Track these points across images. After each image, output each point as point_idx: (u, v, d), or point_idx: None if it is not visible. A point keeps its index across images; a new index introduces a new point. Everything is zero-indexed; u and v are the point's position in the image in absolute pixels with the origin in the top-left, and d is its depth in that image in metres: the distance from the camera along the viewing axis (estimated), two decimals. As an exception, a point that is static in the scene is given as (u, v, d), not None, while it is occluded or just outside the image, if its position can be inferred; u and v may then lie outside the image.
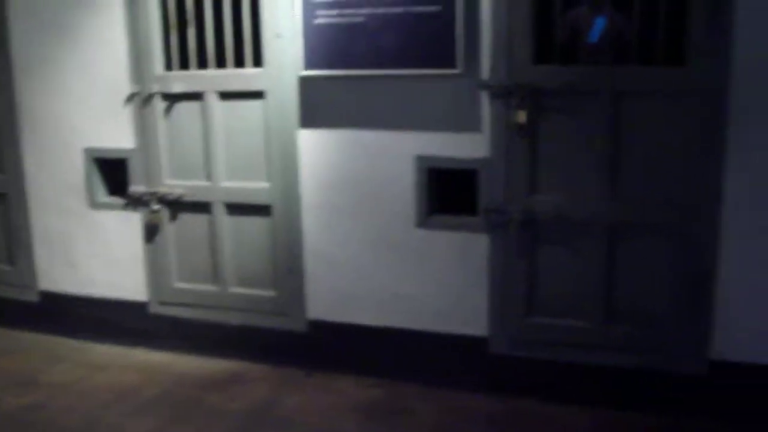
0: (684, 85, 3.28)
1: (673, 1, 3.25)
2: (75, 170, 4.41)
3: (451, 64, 3.57)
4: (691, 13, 3.18)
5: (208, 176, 4.08)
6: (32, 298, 4.67)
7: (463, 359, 3.81)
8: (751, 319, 3.32)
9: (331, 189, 3.89)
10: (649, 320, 3.47)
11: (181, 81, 4.03)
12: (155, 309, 4.37)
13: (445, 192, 3.81)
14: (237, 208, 4.11)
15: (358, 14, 3.66)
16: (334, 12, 3.68)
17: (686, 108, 3.29)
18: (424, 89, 3.65)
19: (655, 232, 3.44)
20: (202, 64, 4.03)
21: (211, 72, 4.01)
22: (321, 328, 4.06)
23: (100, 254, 4.47)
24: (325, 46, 3.74)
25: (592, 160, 3.43)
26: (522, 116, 3.48)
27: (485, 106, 3.57)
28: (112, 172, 4.37)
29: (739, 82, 3.15)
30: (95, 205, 4.41)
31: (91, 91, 4.25)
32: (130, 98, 4.16)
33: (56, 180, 4.48)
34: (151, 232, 4.27)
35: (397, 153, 3.74)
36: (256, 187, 4.04)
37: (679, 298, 3.41)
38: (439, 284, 3.79)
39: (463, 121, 3.62)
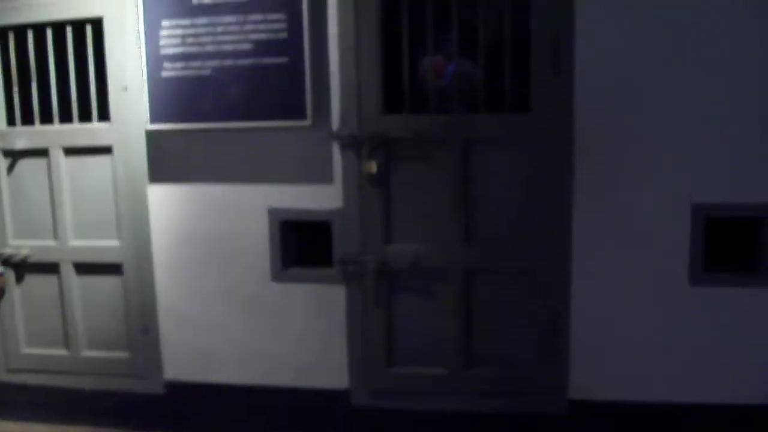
0: (530, 130, 3.37)
1: (517, 51, 3.36)
2: None
3: (301, 116, 3.54)
4: (533, 61, 3.32)
5: (56, 235, 3.89)
6: None
7: (325, 413, 3.73)
8: (607, 357, 3.40)
9: (183, 244, 3.78)
10: (507, 363, 3.50)
11: (24, 137, 3.86)
12: (2, 377, 4.08)
13: (301, 244, 3.76)
14: (87, 268, 3.93)
15: (205, 67, 3.60)
16: (181, 65, 3.61)
17: (533, 153, 3.37)
18: (274, 141, 3.60)
19: (509, 275, 3.48)
20: (47, 119, 3.87)
21: (56, 127, 3.83)
22: (179, 388, 3.91)
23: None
24: (173, 99, 3.66)
25: (445, 208, 3.46)
26: (373, 166, 3.48)
27: (337, 156, 3.55)
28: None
29: (581, 124, 3.29)
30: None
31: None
32: (-31, 156, 3.86)
33: None
34: (-4, 295, 3.97)
35: (250, 206, 3.68)
36: (106, 245, 3.88)
37: (536, 340, 3.44)
38: (298, 338, 3.73)
39: (315, 173, 3.59)
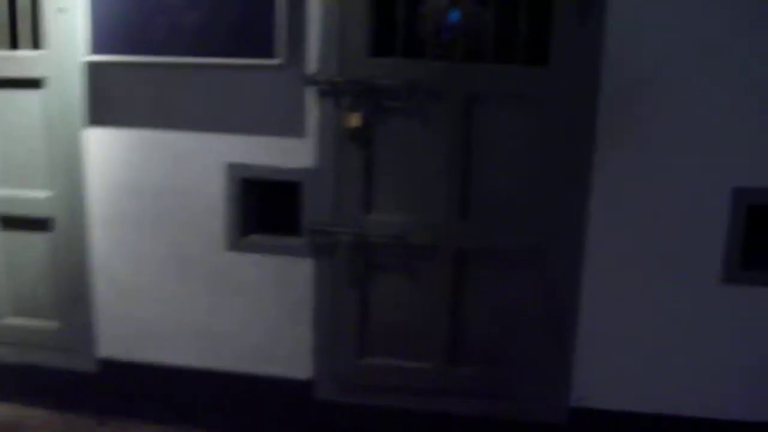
0: (546, 87, 2.85)
1: None
2: None
3: (270, 53, 2.97)
4: (556, 7, 2.79)
5: (-25, 183, 3.25)
6: None
7: (284, 406, 3.24)
8: (617, 361, 2.98)
9: (125, 199, 3.22)
10: (501, 361, 3.06)
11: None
12: None
13: (264, 207, 3.23)
14: (11, 222, 3.37)
15: (157, -13, 2.89)
16: None
17: (549, 115, 2.86)
18: (237, 83, 3.04)
19: (509, 259, 3.00)
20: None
21: (-22, 52, 3.16)
22: (115, 367, 3.37)
23: None
24: (118, 24, 3.05)
25: (439, 173, 2.96)
26: (355, 119, 2.95)
27: (311, 105, 3.00)
28: None
29: (609, 87, 2.79)
30: None
31: None
32: None
33: None
34: None
35: (206, 159, 3.12)
36: (33, 196, 3.31)
37: (536, 337, 3.00)
38: (256, 317, 3.20)
39: (284, 124, 3.03)
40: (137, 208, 3.22)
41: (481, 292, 3.06)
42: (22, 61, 3.23)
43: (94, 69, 3.14)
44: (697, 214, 2.86)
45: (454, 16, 3.10)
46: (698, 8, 2.71)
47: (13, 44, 3.23)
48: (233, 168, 3.10)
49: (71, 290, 3.35)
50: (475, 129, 2.94)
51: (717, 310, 2.90)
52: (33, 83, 3.22)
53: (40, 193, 3.32)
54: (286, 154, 3.05)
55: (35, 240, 3.39)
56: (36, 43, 3.20)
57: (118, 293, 3.31)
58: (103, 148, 3.21)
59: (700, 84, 2.75)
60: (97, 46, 3.09)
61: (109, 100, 3.16)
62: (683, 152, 2.82)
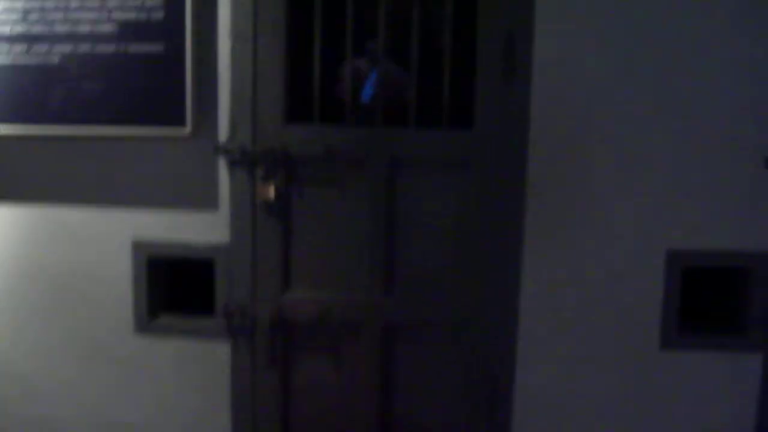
0: (472, 150, 2.72)
1: (462, 53, 2.74)
2: None
3: (179, 122, 2.76)
4: (480, 67, 2.65)
5: None
6: None
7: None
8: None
9: (21, 283, 2.96)
10: None
11: None
12: None
13: (175, 287, 3.00)
14: None
15: (54, 53, 2.81)
16: (21, 48, 2.81)
17: (475, 178, 2.73)
18: (143, 154, 2.83)
19: (439, 332, 2.83)
20: None
21: None
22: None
23: None
24: (10, 93, 2.83)
25: (361, 247, 2.79)
26: (270, 190, 2.76)
27: (224, 176, 2.80)
28: None
29: (536, 145, 2.68)
30: None
31: None
32: None
33: None
34: None
35: (109, 236, 2.89)
36: None
37: (471, 412, 2.84)
38: (168, 407, 2.95)
39: (194, 196, 2.83)
40: (35, 291, 2.95)
41: (410, 369, 2.87)
42: None
43: (-17, 141, 2.81)
44: (632, 278, 2.72)
45: (373, 77, 2.92)
46: (627, 60, 2.60)
47: None
48: (140, 245, 2.86)
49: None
50: (399, 197, 2.77)
51: (656, 377, 2.77)
52: None
53: (-74, 277, 2.94)
54: (198, 228, 2.83)
55: None
56: None
57: (15, 383, 3.04)
58: (-4, 227, 2.86)
59: (633, 142, 2.63)
60: (-14, 117, 2.76)
61: (1, 174, 2.86)
62: (617, 213, 2.70)
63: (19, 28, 2.80)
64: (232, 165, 2.77)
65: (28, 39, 2.80)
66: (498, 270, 2.76)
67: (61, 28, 2.79)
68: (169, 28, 2.71)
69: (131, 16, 2.74)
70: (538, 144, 2.66)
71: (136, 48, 2.76)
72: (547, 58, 2.63)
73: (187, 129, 2.73)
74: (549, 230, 2.71)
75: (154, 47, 2.74)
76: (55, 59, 2.79)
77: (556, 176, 2.68)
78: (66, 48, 2.80)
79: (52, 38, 2.80)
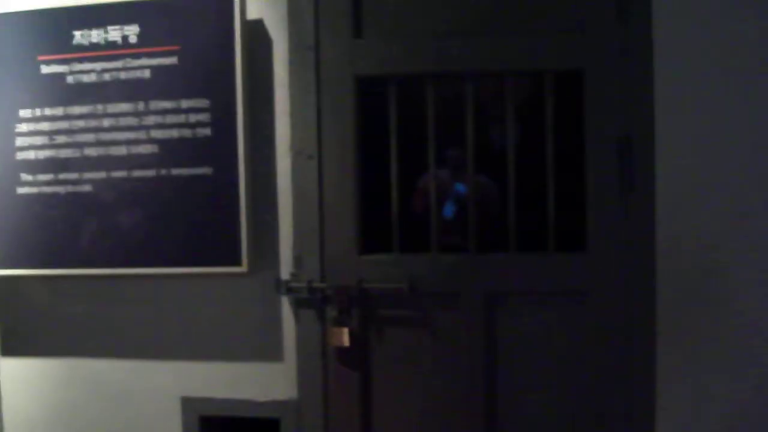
0: (587, 279, 2.26)
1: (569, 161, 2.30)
2: None
3: (233, 259, 2.33)
4: (592, 179, 2.25)
5: None
6: None
7: None
8: None
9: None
10: None
11: None
12: None
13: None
14: None
15: (84, 180, 2.40)
16: (47, 177, 2.42)
17: (593, 312, 2.26)
18: (191, 297, 2.41)
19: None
20: None
21: None
22: None
23: None
24: (34, 229, 2.42)
25: (455, 396, 2.33)
26: (344, 334, 2.32)
27: (288, 320, 2.38)
28: None
29: (664, 273, 2.18)
30: None
31: None
32: None
33: None
34: None
35: (154, 394, 2.45)
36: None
37: None
38: None
39: (253, 345, 2.40)
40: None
41: None
42: None
43: (2, 286, 2.51)
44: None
45: (456, 189, 2.49)
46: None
47: None
48: (188, 403, 2.46)
49: None
50: (499, 337, 2.33)
51: None
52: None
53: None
54: (258, 382, 2.41)
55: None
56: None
57: None
58: (21, 383, 2.56)
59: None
60: (6, 258, 2.48)
61: (24, 323, 2.54)
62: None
63: (45, 153, 2.44)
64: (298, 305, 2.35)
65: (55, 165, 2.44)
66: (624, 421, 2.27)
67: (92, 152, 2.42)
68: (219, 146, 2.28)
69: (173, 134, 2.34)
70: (666, 271, 2.19)
71: (179, 171, 2.37)
72: (671, 168, 2.17)
73: (243, 267, 2.32)
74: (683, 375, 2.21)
75: (201, 169, 2.36)
76: (86, 188, 2.41)
77: (684, 301, 2.21)
78: (98, 174, 2.41)
79: (82, 163, 2.43)
